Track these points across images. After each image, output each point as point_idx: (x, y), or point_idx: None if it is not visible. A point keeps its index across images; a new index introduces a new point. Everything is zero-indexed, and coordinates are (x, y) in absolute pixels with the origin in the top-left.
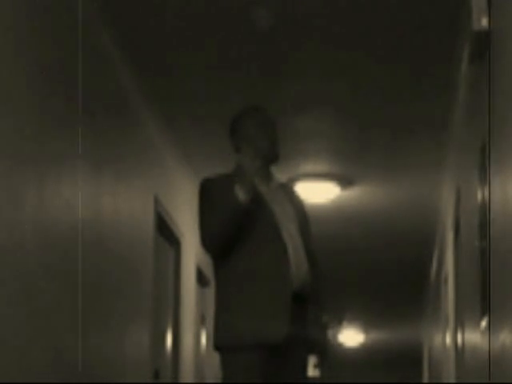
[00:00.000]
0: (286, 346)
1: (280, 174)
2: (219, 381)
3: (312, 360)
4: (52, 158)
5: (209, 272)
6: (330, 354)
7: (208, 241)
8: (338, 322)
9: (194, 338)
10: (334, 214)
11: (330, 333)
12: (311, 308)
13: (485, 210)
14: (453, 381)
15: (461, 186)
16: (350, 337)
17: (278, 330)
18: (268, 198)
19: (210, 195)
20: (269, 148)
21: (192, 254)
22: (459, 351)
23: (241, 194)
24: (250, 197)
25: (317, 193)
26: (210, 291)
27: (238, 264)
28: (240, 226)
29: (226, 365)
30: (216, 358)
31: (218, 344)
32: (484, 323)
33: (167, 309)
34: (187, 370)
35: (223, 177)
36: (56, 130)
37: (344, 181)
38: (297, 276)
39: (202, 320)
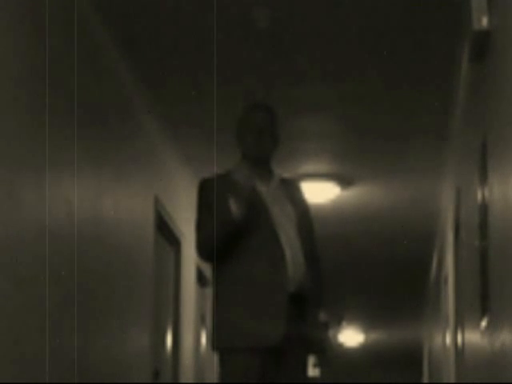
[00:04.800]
0: (285, 347)
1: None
2: (219, 381)
3: (312, 360)
4: (52, 157)
5: (209, 272)
6: (329, 353)
7: (202, 251)
8: (338, 322)
9: (194, 338)
10: (334, 214)
11: (330, 333)
12: (311, 308)
13: (485, 209)
14: (453, 381)
15: (461, 186)
16: (350, 337)
17: (274, 332)
18: (267, 198)
19: (207, 196)
20: (258, 147)
21: (192, 254)
22: (459, 351)
23: (235, 210)
24: (245, 212)
25: (317, 193)
26: (210, 291)
27: (236, 266)
28: (235, 238)
29: (223, 366)
30: (216, 358)
31: (216, 346)
32: (484, 323)
33: (167, 309)
34: (187, 370)
35: (221, 177)
36: (56, 130)
37: (344, 181)
38: (294, 278)
39: (202, 320)
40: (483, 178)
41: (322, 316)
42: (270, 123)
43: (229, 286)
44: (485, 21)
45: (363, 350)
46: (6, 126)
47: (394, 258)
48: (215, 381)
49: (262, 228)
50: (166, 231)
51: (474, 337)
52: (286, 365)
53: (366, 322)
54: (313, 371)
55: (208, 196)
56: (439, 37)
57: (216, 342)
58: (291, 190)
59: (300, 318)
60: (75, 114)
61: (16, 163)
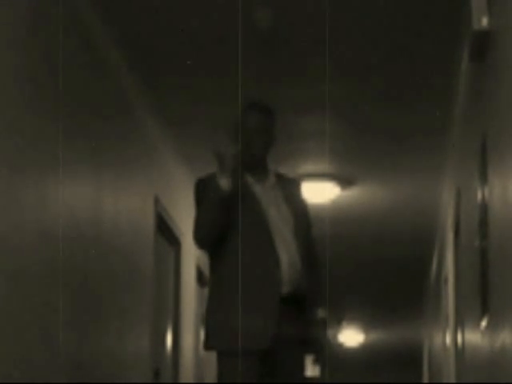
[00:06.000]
0: (279, 348)
1: None
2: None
3: (310, 359)
4: (52, 158)
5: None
6: (327, 352)
7: (196, 233)
8: (338, 322)
9: (194, 338)
10: (334, 214)
11: (329, 332)
12: (309, 307)
13: (485, 209)
14: (453, 381)
15: (461, 186)
16: (350, 337)
17: (263, 334)
18: (262, 199)
19: (201, 194)
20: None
21: (192, 254)
22: (459, 351)
23: (222, 182)
24: (232, 183)
25: (317, 193)
26: None
27: (229, 268)
28: (227, 215)
29: (220, 366)
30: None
31: (207, 347)
32: (484, 323)
33: (167, 309)
34: (187, 370)
35: (214, 175)
36: (56, 130)
37: (344, 181)
38: (288, 280)
39: (202, 320)
40: (483, 178)
41: (320, 312)
42: (261, 123)
43: (222, 287)
44: (485, 21)
45: (363, 350)
46: (6, 127)
47: (394, 258)
48: (215, 381)
49: (256, 230)
50: (166, 231)
51: (474, 337)
52: (282, 366)
53: (366, 322)
54: (312, 370)
55: (202, 194)
56: (439, 37)
57: (207, 343)
58: (289, 189)
59: (295, 319)
60: (75, 114)
61: (16, 163)
